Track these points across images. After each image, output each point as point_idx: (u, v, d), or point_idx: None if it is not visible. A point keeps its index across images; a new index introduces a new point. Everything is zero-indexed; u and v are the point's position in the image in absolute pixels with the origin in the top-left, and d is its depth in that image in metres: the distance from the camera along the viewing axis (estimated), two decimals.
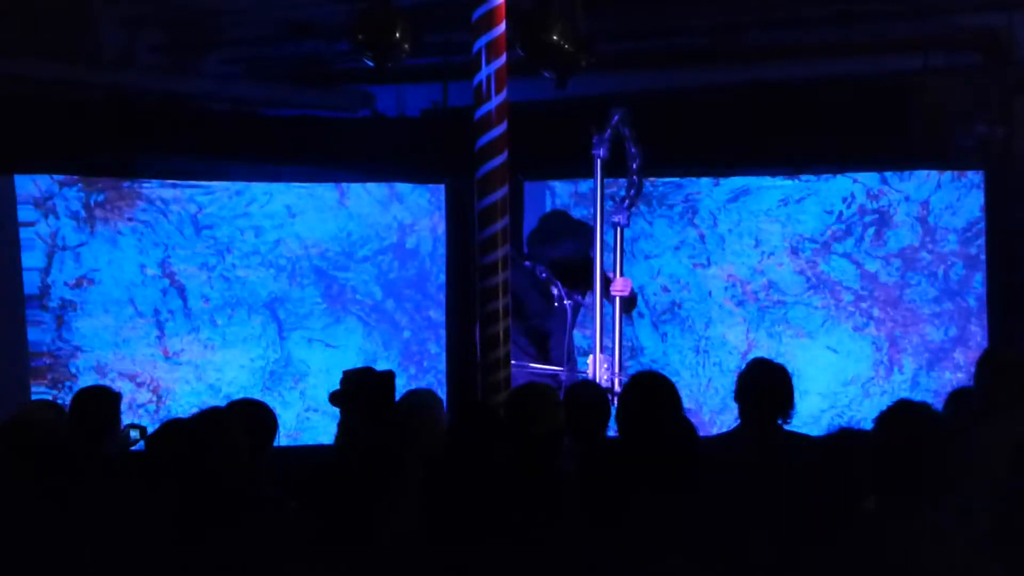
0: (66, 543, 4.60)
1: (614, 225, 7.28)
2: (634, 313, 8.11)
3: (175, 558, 4.42)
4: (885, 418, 4.31)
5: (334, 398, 5.68)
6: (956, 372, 8.28)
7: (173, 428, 4.90)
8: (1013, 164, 7.98)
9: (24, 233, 8.56)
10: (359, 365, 6.36)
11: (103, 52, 8.88)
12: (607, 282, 7.24)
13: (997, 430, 4.82)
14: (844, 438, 4.36)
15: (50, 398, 8.07)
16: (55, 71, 8.44)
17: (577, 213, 8.33)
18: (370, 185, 9.18)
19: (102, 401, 5.79)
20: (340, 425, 5.65)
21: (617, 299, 7.26)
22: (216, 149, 8.72)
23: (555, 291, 7.42)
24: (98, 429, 5.65)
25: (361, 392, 5.58)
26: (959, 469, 4.22)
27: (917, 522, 4.03)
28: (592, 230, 7.31)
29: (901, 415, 4.31)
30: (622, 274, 7.28)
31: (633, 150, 7.25)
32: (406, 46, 7.21)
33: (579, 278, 7.48)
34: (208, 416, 4.76)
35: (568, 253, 7.48)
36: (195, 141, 8.65)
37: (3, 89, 8.34)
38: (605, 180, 7.19)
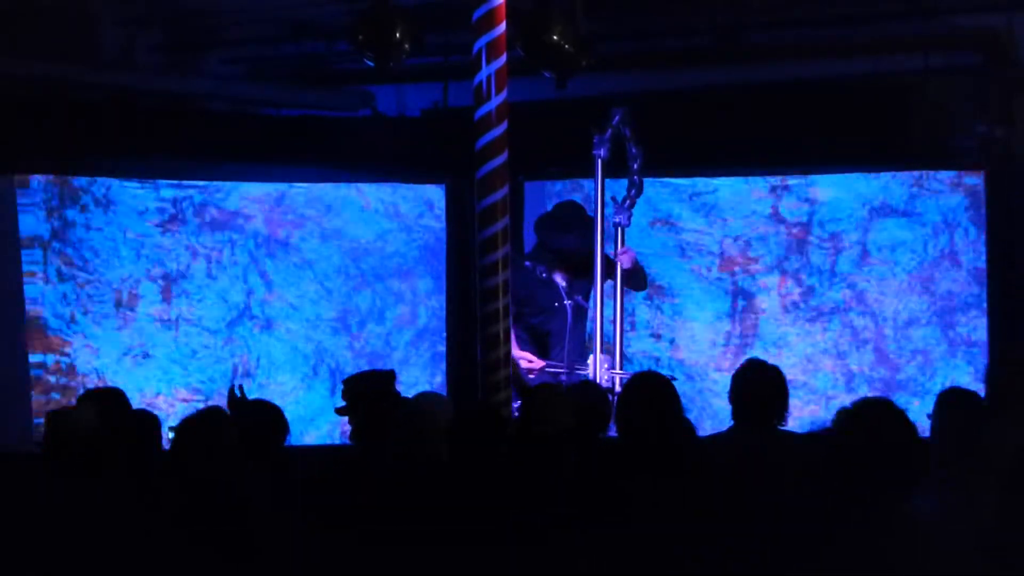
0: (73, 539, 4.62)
1: (615, 226, 7.29)
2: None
3: (171, 557, 4.43)
4: (845, 419, 4.21)
5: (340, 411, 5.65)
6: None
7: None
8: (1013, 164, 7.98)
9: None
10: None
11: (103, 52, 8.87)
12: (608, 265, 7.25)
13: (1003, 431, 4.81)
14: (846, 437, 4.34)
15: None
16: (55, 71, 8.43)
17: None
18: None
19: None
20: (351, 434, 5.62)
21: (618, 283, 7.25)
22: (216, 149, 8.71)
23: (557, 287, 7.45)
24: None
25: (362, 398, 5.55)
26: (964, 469, 4.21)
27: (920, 522, 4.02)
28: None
29: (862, 413, 4.22)
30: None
31: (634, 150, 7.26)
32: (406, 46, 7.21)
33: (579, 272, 7.48)
34: (200, 417, 4.76)
35: (572, 246, 7.46)
36: (195, 141, 8.64)
37: (3, 89, 8.33)
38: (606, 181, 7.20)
